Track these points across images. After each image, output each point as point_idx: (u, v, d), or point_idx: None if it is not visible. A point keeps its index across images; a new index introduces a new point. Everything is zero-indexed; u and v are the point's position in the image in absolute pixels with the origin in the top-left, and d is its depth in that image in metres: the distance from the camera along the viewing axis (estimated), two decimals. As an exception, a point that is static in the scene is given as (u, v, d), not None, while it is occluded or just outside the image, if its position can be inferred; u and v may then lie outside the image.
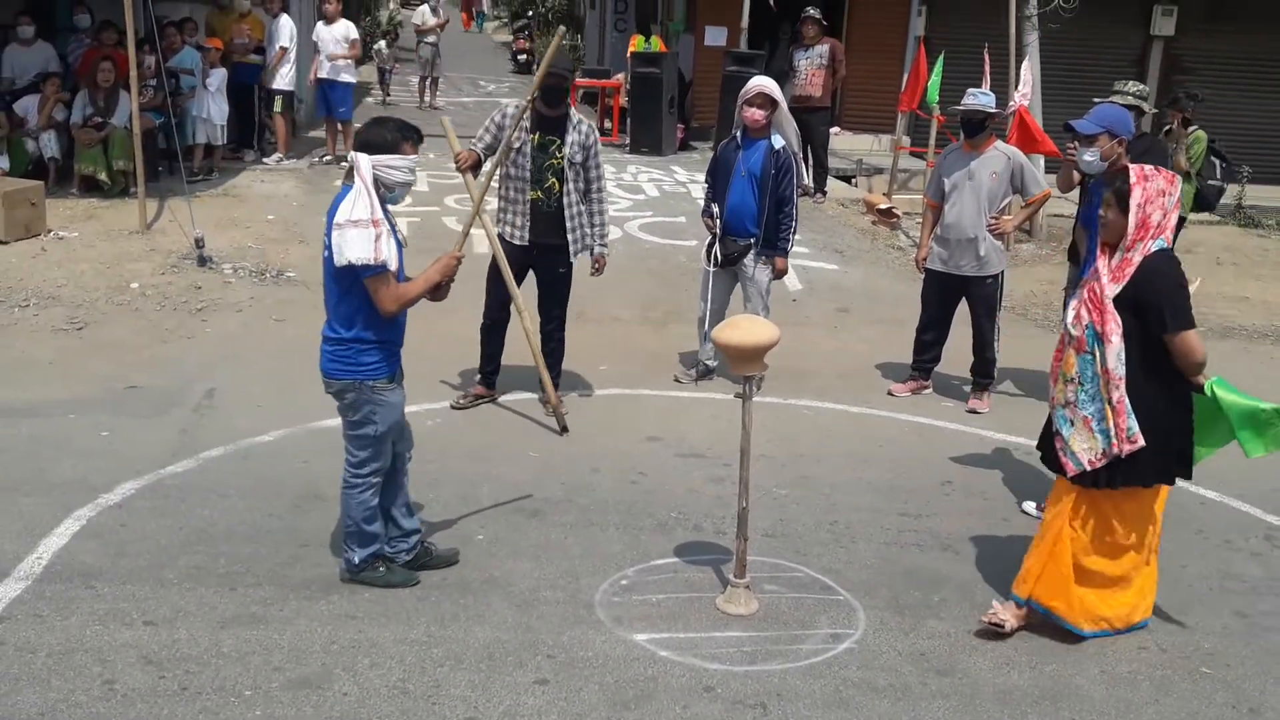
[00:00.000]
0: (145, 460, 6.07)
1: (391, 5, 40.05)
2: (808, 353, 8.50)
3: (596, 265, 7.21)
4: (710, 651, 4.61)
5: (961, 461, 6.78)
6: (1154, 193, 4.47)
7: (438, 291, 4.83)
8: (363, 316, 4.62)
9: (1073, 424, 4.64)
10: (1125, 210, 4.48)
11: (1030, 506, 6.14)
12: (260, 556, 5.15)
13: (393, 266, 4.52)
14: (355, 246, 4.40)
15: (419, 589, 4.94)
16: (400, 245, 4.70)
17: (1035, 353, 8.75)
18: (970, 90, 7.56)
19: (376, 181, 4.54)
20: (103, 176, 11.14)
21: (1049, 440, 4.82)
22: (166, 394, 7.09)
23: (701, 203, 8.06)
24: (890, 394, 7.86)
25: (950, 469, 6.67)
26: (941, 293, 7.69)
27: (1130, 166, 4.56)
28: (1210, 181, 10.82)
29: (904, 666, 4.60)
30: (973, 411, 7.63)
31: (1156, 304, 4.44)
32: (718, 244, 7.55)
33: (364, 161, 4.52)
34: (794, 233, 7.62)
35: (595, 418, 7.15)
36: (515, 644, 4.58)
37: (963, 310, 7.71)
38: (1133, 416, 4.49)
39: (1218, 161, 10.92)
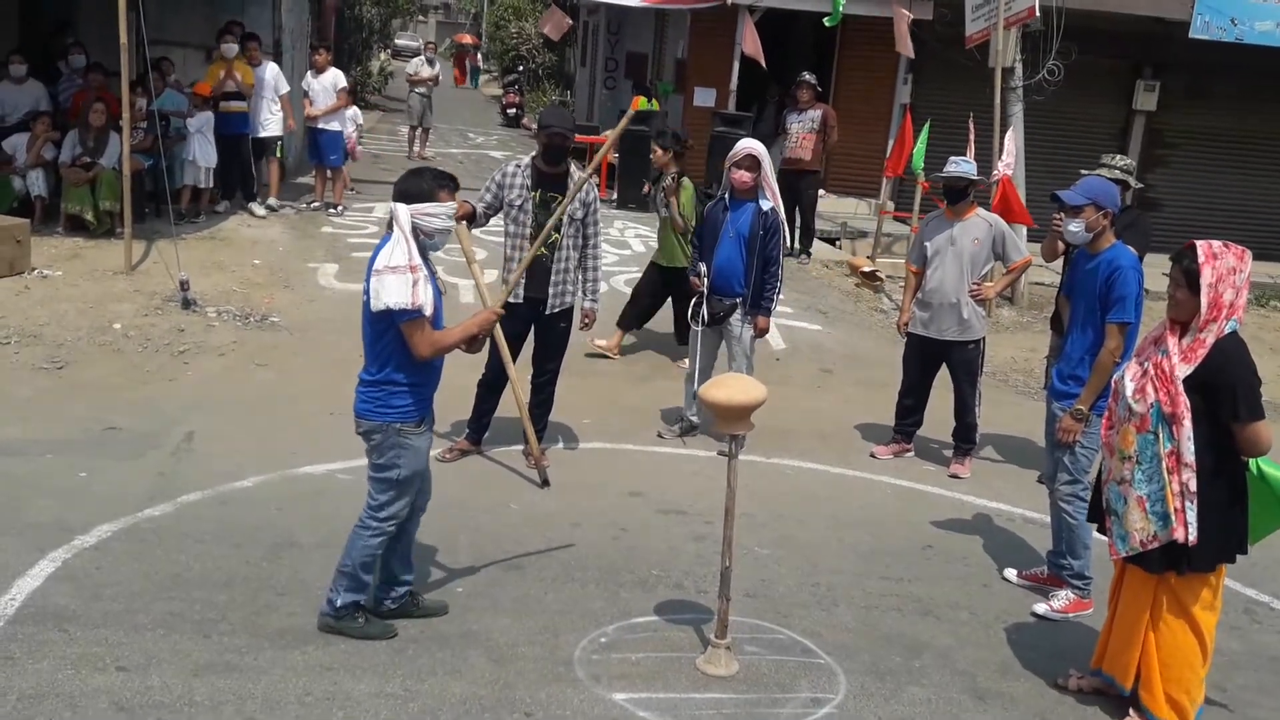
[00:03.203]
0: (122, 503, 6.01)
1: (382, 56, 40.36)
2: (790, 412, 8.51)
3: (586, 319, 7.23)
4: (689, 713, 4.57)
5: (943, 526, 6.78)
6: (1225, 270, 4.38)
7: (473, 343, 5.01)
8: (395, 359, 4.70)
9: (1126, 502, 4.55)
10: (1195, 289, 4.39)
11: (1011, 574, 6.13)
12: (235, 604, 5.09)
13: (428, 312, 4.62)
14: (392, 292, 4.52)
15: (396, 641, 4.89)
16: (439, 293, 4.79)
17: (1016, 419, 8.82)
18: (953, 158, 7.66)
19: (415, 229, 4.66)
20: (89, 216, 11.10)
21: (1100, 513, 4.77)
22: (145, 436, 7.03)
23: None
24: (872, 456, 7.87)
25: (931, 533, 6.67)
26: (923, 357, 7.74)
27: (1198, 244, 4.46)
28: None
29: (884, 732, 4.57)
30: (954, 476, 7.64)
31: (1230, 391, 4.35)
32: (705, 303, 7.60)
33: (403, 211, 4.65)
34: (778, 293, 7.68)
35: (577, 472, 7.13)
36: (492, 700, 4.53)
37: (944, 375, 7.75)
38: (1194, 506, 4.40)
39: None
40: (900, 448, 7.94)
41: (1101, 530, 4.80)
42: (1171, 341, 4.48)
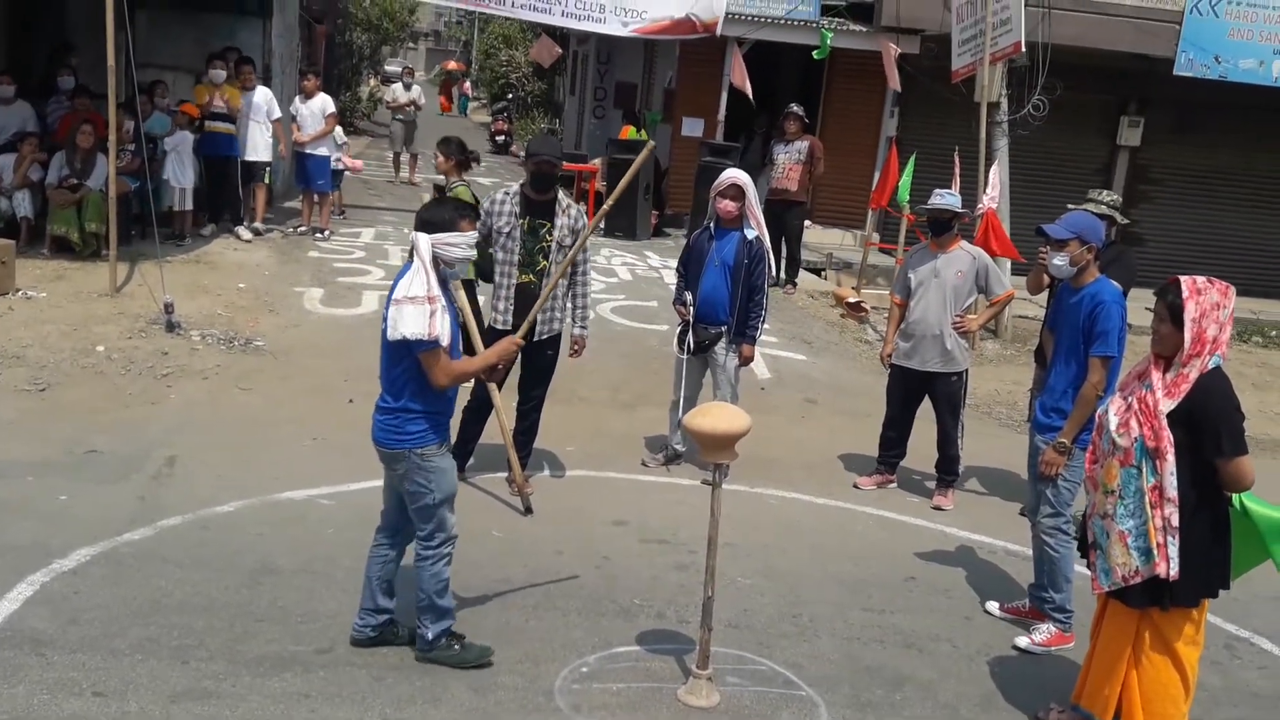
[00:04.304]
0: (102, 526, 5.97)
1: (372, 82, 40.46)
2: (774, 442, 8.50)
3: (575, 347, 7.24)
4: (670, 743, 4.55)
5: (925, 558, 6.78)
6: (1209, 306, 4.39)
7: (494, 372, 5.14)
8: (410, 387, 4.73)
9: (1109, 536, 4.55)
10: (1179, 324, 4.40)
11: (994, 606, 6.13)
12: (214, 629, 5.05)
13: (445, 342, 4.64)
14: (410, 322, 4.56)
15: (375, 669, 4.86)
16: (457, 323, 4.83)
17: (999, 451, 8.83)
18: (937, 190, 7.70)
19: (436, 259, 4.69)
20: (75, 238, 11.09)
21: (1085, 548, 4.76)
22: (127, 459, 7.00)
23: (673, 289, 8.12)
24: (856, 487, 7.88)
25: (914, 565, 6.66)
26: (905, 389, 7.76)
27: (1182, 279, 4.47)
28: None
29: (865, 765, 4.56)
30: (937, 508, 7.65)
31: (1213, 427, 4.35)
32: (690, 332, 7.62)
33: (423, 241, 4.68)
34: (763, 321, 7.70)
35: (561, 499, 7.11)
36: (472, 729, 4.50)
37: (927, 407, 7.77)
38: (1176, 541, 4.40)
39: None
40: (883, 479, 7.95)
41: (1088, 564, 4.80)
42: (1155, 376, 4.49)
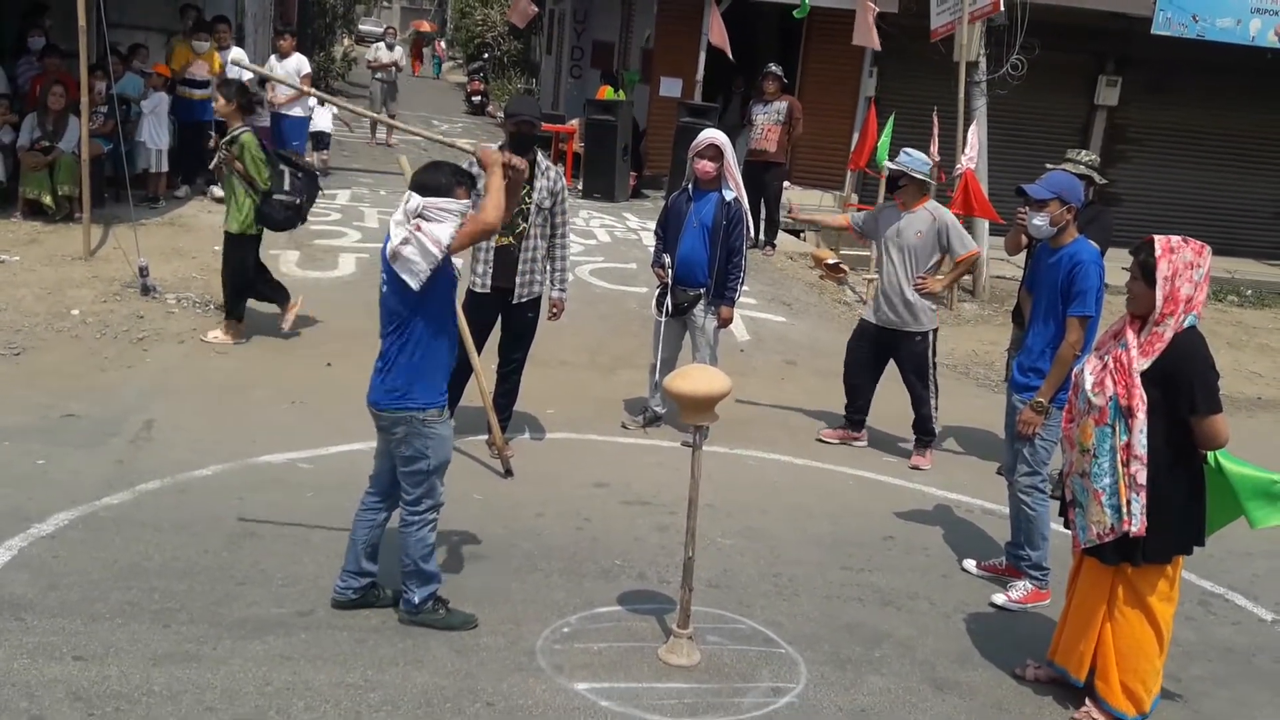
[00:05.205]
0: (80, 491, 5.95)
1: (346, 41, 40.04)
2: (753, 403, 8.54)
3: (555, 310, 7.22)
4: (651, 702, 4.58)
5: (904, 517, 6.83)
6: (1181, 265, 4.40)
7: (512, 185, 4.99)
8: (411, 348, 4.71)
9: (1087, 494, 4.58)
10: (1151, 283, 4.42)
11: (970, 564, 6.19)
12: (195, 593, 5.05)
13: (448, 239, 4.59)
14: (428, 249, 4.52)
15: (357, 631, 4.87)
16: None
17: (977, 411, 8.89)
18: (905, 149, 7.75)
19: (427, 220, 4.62)
20: (47, 201, 10.98)
21: (1065, 507, 4.80)
22: (104, 424, 6.96)
23: (652, 251, 8.11)
24: (819, 439, 7.91)
25: (893, 524, 6.71)
26: (868, 343, 7.85)
27: (1156, 238, 4.49)
28: (278, 195, 8.60)
29: (844, 722, 4.61)
30: (915, 468, 7.70)
31: (1188, 384, 4.37)
32: (669, 294, 7.60)
33: (415, 200, 4.63)
34: (741, 283, 7.70)
35: (541, 462, 7.12)
36: (454, 690, 4.52)
37: (890, 368, 7.83)
38: (1141, 499, 4.44)
39: (288, 171, 8.75)
40: (847, 435, 7.99)
41: (1066, 524, 4.85)
42: (1130, 335, 4.51)
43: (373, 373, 4.83)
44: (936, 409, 7.76)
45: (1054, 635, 5.02)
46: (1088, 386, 4.57)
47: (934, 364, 7.74)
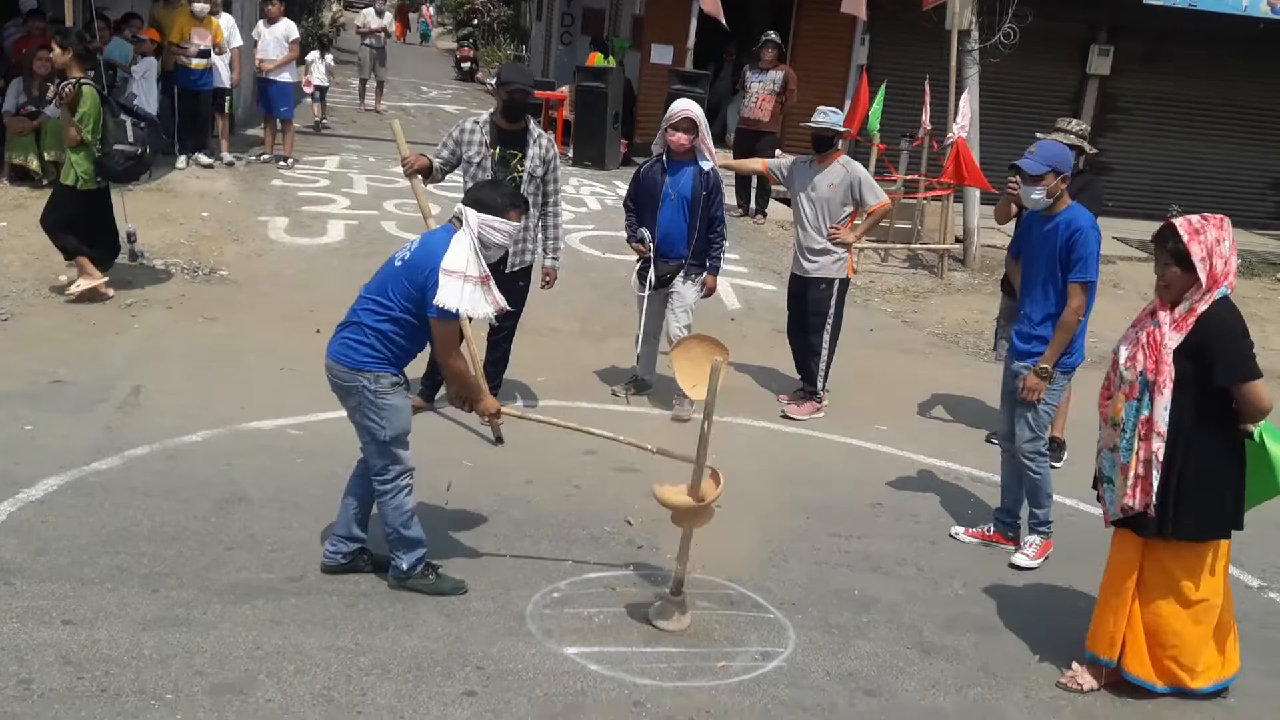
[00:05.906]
0: (69, 456, 5.94)
1: (335, 7, 39.67)
2: (744, 371, 8.54)
3: (547, 278, 7.20)
4: (640, 667, 4.61)
5: (893, 484, 6.85)
6: (1212, 242, 4.40)
7: (461, 400, 5.13)
8: (389, 325, 4.74)
9: (1116, 468, 4.57)
10: (1186, 268, 4.40)
11: (959, 531, 6.22)
12: (184, 558, 5.05)
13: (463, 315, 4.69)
14: (451, 296, 4.56)
15: (347, 595, 4.88)
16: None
17: (965, 379, 8.91)
18: (821, 108, 7.89)
19: (478, 238, 4.70)
20: (34, 166, 10.92)
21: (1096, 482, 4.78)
22: (92, 389, 6.94)
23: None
24: (784, 415, 7.89)
25: (881, 491, 6.73)
26: (794, 298, 8.01)
27: (1176, 222, 4.48)
28: (119, 146, 8.41)
29: (832, 686, 4.63)
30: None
31: (1222, 354, 4.35)
32: (651, 267, 7.56)
33: (473, 217, 4.69)
34: (723, 251, 7.71)
35: (531, 429, 7.08)
36: (444, 654, 4.54)
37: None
38: (1156, 475, 4.41)
39: (130, 121, 8.55)
40: (799, 401, 7.99)
41: (1098, 498, 4.80)
42: (1163, 314, 4.49)
43: (338, 327, 4.85)
44: (829, 364, 7.85)
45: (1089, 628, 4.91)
46: (1121, 361, 4.57)
47: (836, 319, 7.81)
